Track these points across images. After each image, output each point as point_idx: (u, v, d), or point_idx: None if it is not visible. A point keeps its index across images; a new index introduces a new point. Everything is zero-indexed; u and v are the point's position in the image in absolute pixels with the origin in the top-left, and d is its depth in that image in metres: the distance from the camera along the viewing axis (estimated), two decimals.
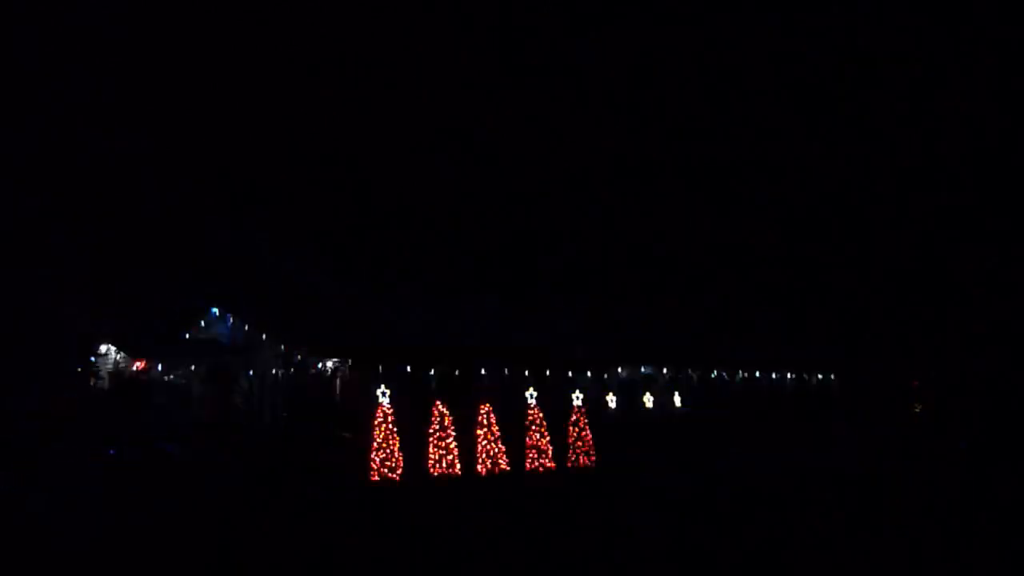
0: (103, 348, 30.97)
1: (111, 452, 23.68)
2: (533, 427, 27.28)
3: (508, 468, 26.03)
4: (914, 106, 53.12)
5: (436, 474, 24.95)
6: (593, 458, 27.74)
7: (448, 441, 25.38)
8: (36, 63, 32.12)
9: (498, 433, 26.50)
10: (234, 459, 24.30)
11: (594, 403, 30.27)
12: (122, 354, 30.87)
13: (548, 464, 26.87)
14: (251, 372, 30.89)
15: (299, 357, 28.61)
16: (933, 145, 51.22)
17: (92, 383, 26.14)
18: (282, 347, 29.36)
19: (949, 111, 50.90)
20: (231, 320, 33.75)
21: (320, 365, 30.11)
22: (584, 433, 27.91)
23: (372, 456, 24.52)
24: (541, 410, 27.49)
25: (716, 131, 57.58)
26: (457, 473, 25.17)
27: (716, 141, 58.12)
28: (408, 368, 32.13)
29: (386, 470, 24.30)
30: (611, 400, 29.42)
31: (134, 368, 29.91)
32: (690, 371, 38.40)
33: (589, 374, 35.88)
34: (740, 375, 39.87)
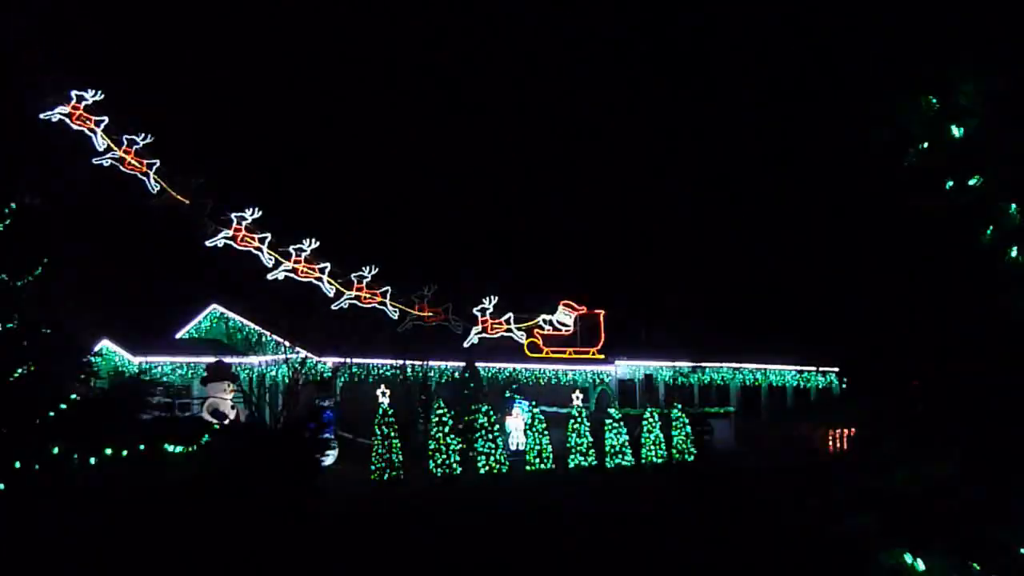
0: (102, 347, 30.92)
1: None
2: (533, 427, 27.27)
3: (510, 468, 26.06)
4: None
5: (437, 474, 24.94)
6: (594, 458, 27.73)
7: (448, 441, 25.33)
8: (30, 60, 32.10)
9: (499, 433, 26.50)
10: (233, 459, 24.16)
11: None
12: (121, 353, 30.80)
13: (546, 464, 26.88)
14: (251, 372, 30.83)
15: (300, 357, 28.53)
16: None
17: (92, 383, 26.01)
18: (283, 347, 29.29)
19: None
20: (232, 319, 33.73)
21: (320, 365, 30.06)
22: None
23: (373, 456, 24.52)
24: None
25: (713, 128, 57.69)
26: (457, 473, 25.15)
27: (711, 138, 58.21)
28: (410, 369, 32.14)
29: (387, 470, 24.30)
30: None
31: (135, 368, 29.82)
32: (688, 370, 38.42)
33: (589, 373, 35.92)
34: (739, 375, 39.87)
